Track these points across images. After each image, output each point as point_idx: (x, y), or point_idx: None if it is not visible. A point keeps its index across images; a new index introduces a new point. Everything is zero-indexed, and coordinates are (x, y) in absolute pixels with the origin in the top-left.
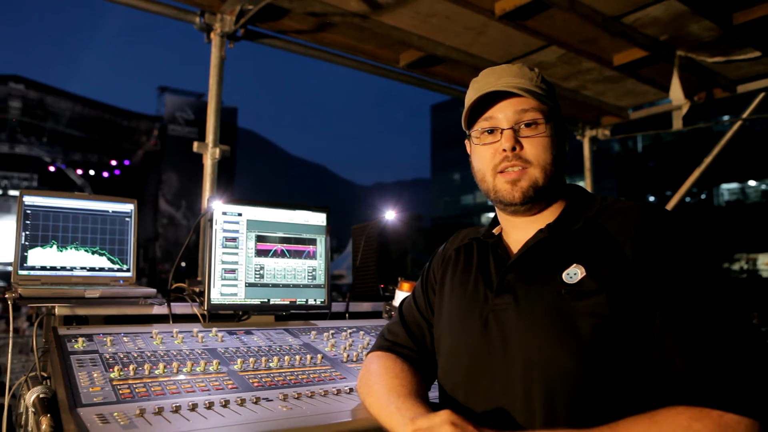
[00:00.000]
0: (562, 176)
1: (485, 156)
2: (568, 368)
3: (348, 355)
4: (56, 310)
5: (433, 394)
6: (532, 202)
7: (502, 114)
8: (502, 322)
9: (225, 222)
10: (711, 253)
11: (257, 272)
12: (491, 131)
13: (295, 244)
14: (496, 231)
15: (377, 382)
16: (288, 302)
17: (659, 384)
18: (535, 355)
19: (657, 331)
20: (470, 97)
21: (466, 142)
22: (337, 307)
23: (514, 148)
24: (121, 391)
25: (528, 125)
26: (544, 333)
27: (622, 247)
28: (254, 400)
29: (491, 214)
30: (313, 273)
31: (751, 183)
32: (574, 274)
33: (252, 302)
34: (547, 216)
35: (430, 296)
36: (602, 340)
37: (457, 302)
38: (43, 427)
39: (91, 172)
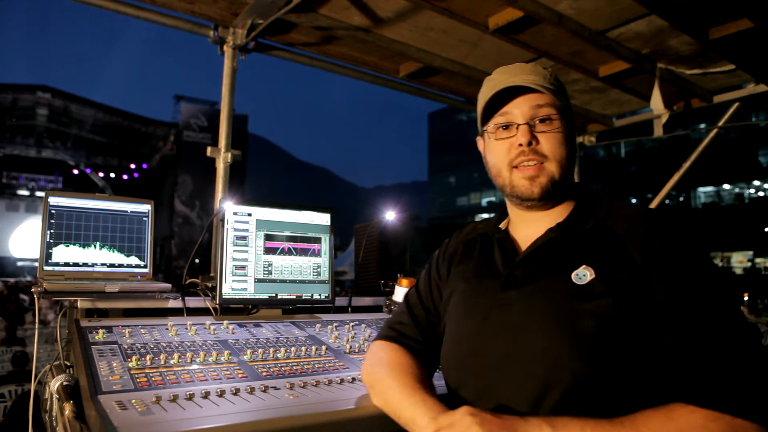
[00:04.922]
0: (573, 172)
1: (500, 151)
2: (570, 366)
3: (350, 347)
4: (78, 303)
5: (438, 382)
6: (549, 197)
7: (517, 109)
8: (507, 316)
9: (236, 222)
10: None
11: (266, 269)
12: (506, 127)
13: (301, 243)
14: (502, 226)
15: (389, 377)
16: (294, 297)
17: (665, 384)
18: (537, 351)
19: (669, 336)
20: (485, 93)
21: (478, 139)
22: (341, 301)
23: (530, 143)
24: (138, 380)
25: (543, 121)
26: (548, 330)
27: (630, 251)
28: (263, 388)
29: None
30: (318, 269)
31: (726, 186)
32: (583, 275)
33: (261, 296)
34: (558, 212)
35: (434, 291)
36: (605, 341)
37: (463, 295)
38: (66, 412)
39: (112, 175)
